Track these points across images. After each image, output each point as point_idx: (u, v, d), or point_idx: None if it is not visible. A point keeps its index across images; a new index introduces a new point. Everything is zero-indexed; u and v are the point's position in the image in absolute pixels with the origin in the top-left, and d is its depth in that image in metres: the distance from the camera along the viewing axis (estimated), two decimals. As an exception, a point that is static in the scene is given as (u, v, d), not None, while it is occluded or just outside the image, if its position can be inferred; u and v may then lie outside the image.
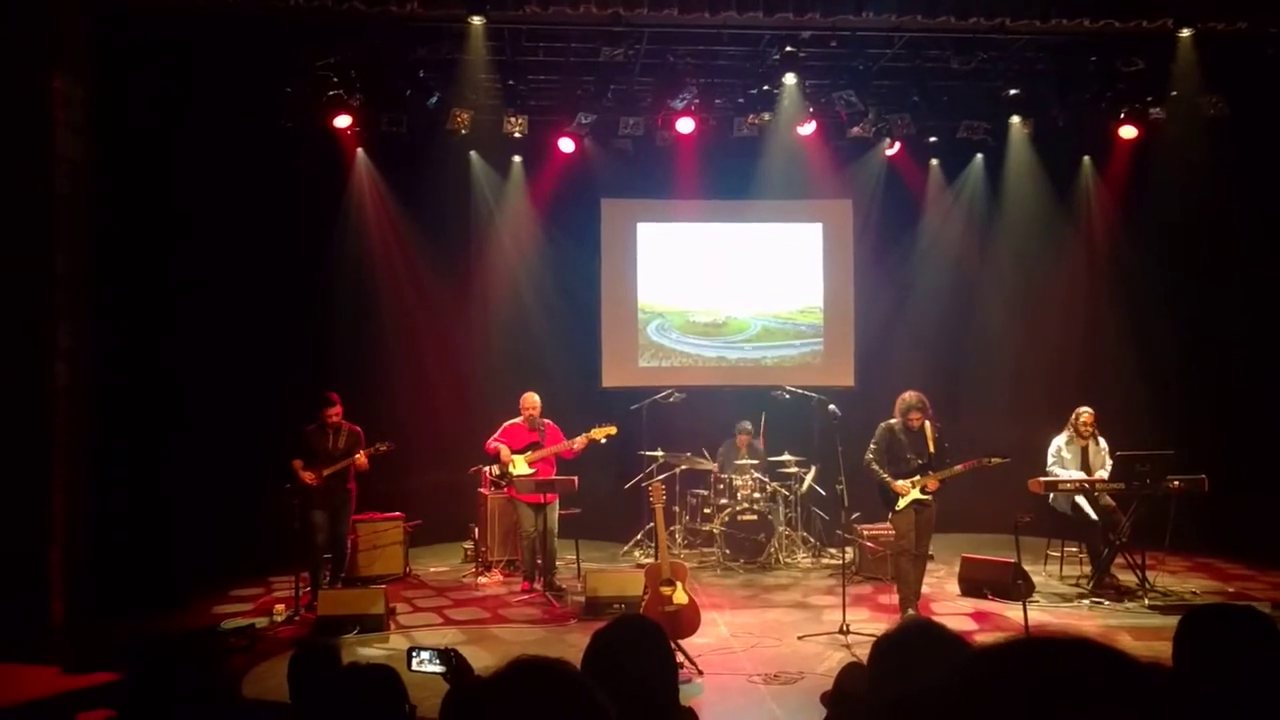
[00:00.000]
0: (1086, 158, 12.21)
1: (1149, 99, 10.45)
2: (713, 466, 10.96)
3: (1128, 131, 10.85)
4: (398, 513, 10.20)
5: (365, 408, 9.96)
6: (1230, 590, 9.33)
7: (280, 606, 8.55)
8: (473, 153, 11.95)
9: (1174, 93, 10.30)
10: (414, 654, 3.22)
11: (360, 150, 11.55)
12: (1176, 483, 8.73)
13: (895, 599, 8.35)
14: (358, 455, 8.93)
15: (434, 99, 10.33)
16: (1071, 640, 1.01)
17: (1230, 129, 10.35)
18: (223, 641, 7.66)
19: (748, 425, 11.13)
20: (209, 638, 7.37)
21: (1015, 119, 11.18)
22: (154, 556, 8.95)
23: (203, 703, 2.81)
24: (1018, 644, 1.03)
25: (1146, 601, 8.66)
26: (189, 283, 10.05)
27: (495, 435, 9.59)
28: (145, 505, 9.21)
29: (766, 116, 10.84)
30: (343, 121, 10.45)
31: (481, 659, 6.29)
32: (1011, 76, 10.53)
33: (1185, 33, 9.00)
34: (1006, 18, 8.54)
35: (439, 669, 3.18)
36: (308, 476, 8.83)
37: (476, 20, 8.69)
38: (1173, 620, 2.71)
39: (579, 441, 9.45)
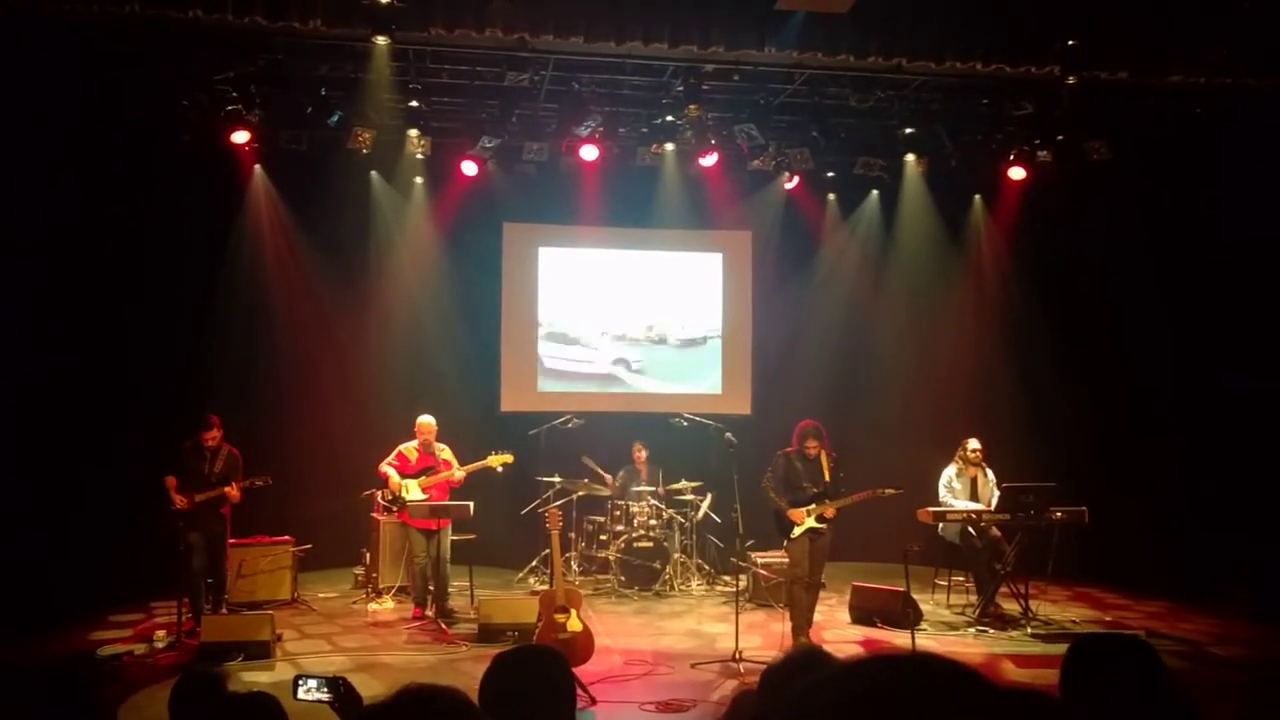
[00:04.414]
0: (977, 196, 12.58)
1: (1037, 142, 10.81)
2: (609, 491, 10.97)
3: (1016, 172, 11.20)
4: (287, 536, 9.95)
5: (256, 428, 9.74)
6: (1107, 619, 9.63)
7: (161, 633, 8.27)
8: (374, 173, 11.77)
9: (1060, 137, 10.69)
10: (300, 682, 3.13)
11: (258, 167, 11.29)
12: (1059, 514, 9.01)
13: (788, 626, 8.42)
14: (229, 487, 8.72)
15: (336, 117, 10.19)
16: (924, 657, 1.05)
17: (1113, 173, 10.76)
18: (99, 669, 7.39)
19: (639, 447, 11.26)
20: (84, 665, 7.10)
21: (910, 157, 11.46)
22: (29, 579, 8.58)
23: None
24: (873, 661, 1.06)
25: (1029, 630, 8.86)
26: (72, 296, 9.74)
27: (388, 459, 9.45)
28: (20, 527, 8.84)
29: (669, 146, 10.95)
30: (241, 137, 10.21)
31: (371, 687, 6.18)
32: (907, 116, 10.83)
33: (1071, 80, 9.35)
34: (903, 58, 8.75)
35: (326, 697, 3.10)
36: (179, 500, 8.59)
37: (381, 40, 8.59)
38: (1053, 648, 2.81)
39: (473, 468, 9.36)
